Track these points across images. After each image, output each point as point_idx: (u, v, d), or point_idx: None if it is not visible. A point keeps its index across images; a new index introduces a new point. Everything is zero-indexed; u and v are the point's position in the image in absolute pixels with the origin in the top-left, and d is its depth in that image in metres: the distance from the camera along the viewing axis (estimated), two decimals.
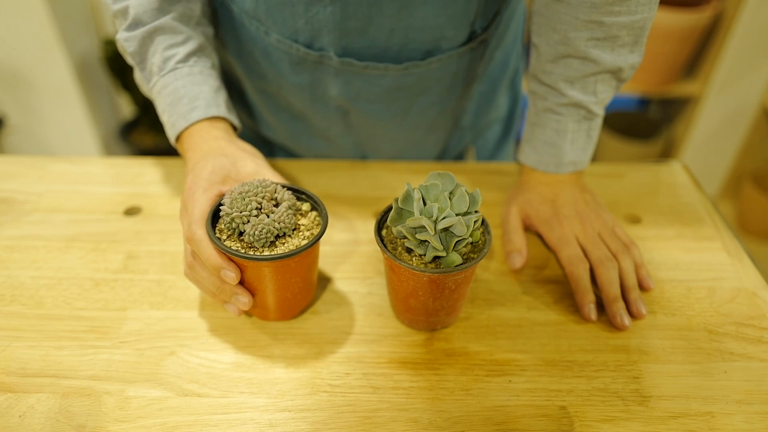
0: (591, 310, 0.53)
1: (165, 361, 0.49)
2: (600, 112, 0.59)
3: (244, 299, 0.48)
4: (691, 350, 0.51)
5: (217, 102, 0.58)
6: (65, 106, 1.66)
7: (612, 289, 0.53)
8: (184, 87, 0.57)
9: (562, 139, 0.59)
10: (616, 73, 0.57)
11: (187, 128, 0.56)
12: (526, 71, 0.64)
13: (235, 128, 0.60)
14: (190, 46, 0.59)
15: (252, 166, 0.54)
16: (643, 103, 2.09)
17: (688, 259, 0.60)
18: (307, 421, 0.45)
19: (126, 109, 1.89)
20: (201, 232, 0.48)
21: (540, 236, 0.62)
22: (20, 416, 0.44)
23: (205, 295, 0.52)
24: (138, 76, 0.61)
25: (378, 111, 0.65)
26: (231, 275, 0.47)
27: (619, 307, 0.53)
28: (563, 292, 0.56)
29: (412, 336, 0.52)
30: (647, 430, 0.44)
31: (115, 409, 0.45)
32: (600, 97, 0.58)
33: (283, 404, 0.46)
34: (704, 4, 1.59)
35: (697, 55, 1.73)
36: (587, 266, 0.55)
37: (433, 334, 0.52)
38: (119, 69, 1.66)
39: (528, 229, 0.62)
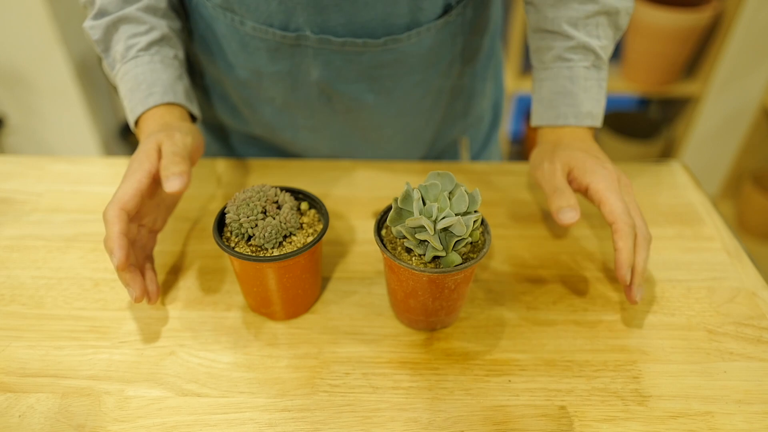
0: (629, 274, 0.49)
1: (165, 361, 0.49)
2: (606, 58, 0.59)
3: (134, 293, 0.49)
4: (690, 350, 0.51)
5: (175, 90, 0.59)
6: (65, 106, 1.66)
7: (640, 267, 0.50)
8: (144, 74, 0.58)
9: (576, 86, 0.58)
10: (613, 16, 0.58)
11: (143, 113, 0.57)
12: (526, 72, 0.64)
13: (194, 118, 0.61)
14: (152, 36, 0.60)
15: (183, 139, 0.54)
16: (643, 103, 2.09)
17: (688, 259, 0.60)
18: (306, 421, 0.45)
19: None
20: (111, 213, 0.48)
21: (580, 191, 0.56)
22: (20, 416, 0.44)
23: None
24: (104, 64, 0.62)
25: (360, 92, 0.65)
26: (115, 261, 0.47)
27: (640, 282, 0.50)
28: (563, 292, 0.56)
29: (412, 336, 0.52)
30: (647, 430, 0.44)
31: (114, 409, 0.45)
32: (603, 42, 0.58)
33: (282, 404, 0.46)
34: (704, 4, 1.59)
35: (697, 55, 1.73)
36: (634, 236, 0.50)
37: (432, 334, 0.52)
38: None
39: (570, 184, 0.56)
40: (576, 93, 0.58)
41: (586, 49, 0.57)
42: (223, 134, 0.78)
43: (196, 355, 0.49)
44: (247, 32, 0.61)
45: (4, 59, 1.57)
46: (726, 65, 1.66)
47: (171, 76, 0.59)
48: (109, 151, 1.82)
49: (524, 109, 2.13)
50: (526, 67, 1.72)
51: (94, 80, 1.72)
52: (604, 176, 0.53)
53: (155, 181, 0.52)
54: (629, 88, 1.74)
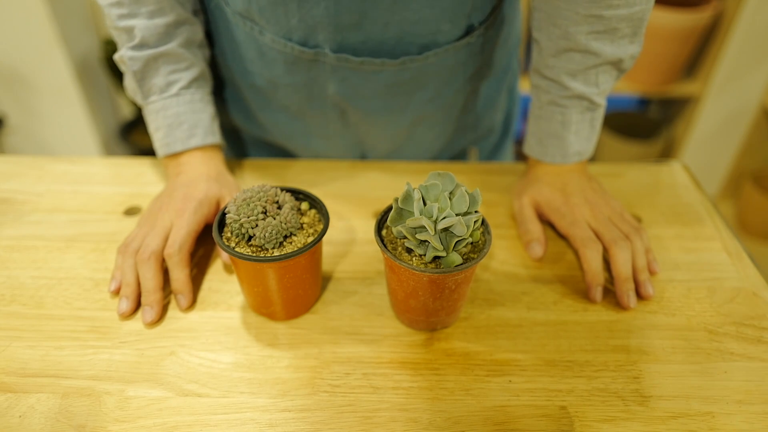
0: (598, 293, 0.54)
1: (165, 361, 0.49)
2: (602, 102, 0.60)
3: (151, 313, 0.52)
4: (691, 350, 0.51)
5: (213, 130, 0.64)
6: (65, 106, 1.66)
7: (625, 269, 0.55)
8: (185, 114, 0.62)
9: (567, 131, 0.60)
10: (616, 64, 0.58)
11: (184, 151, 0.62)
12: (525, 71, 0.64)
13: (221, 147, 0.67)
14: (192, 73, 0.62)
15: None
16: (643, 103, 2.09)
17: (688, 259, 0.60)
18: (307, 421, 0.45)
19: (126, 109, 1.89)
20: (182, 257, 0.53)
21: (551, 225, 0.63)
22: (20, 416, 0.44)
23: (115, 282, 0.54)
24: (130, 84, 0.63)
25: (375, 107, 0.65)
26: (183, 303, 0.53)
27: (629, 288, 0.54)
28: (563, 292, 0.56)
29: (412, 336, 0.52)
30: (647, 430, 0.44)
31: (115, 409, 0.45)
32: (602, 88, 0.59)
33: (283, 404, 0.46)
34: (704, 4, 1.59)
35: (697, 55, 1.73)
36: (600, 248, 0.56)
37: (433, 334, 0.52)
38: (119, 69, 1.66)
39: (539, 218, 0.63)
40: (566, 137, 0.61)
41: (581, 97, 0.59)
42: (236, 137, 0.78)
43: (197, 355, 0.49)
44: (265, 42, 0.61)
45: (4, 59, 1.57)
46: (726, 65, 1.66)
47: (209, 115, 0.63)
48: (109, 151, 1.82)
49: (526, 108, 2.13)
50: (528, 67, 1.72)
51: (94, 80, 1.72)
52: (564, 214, 0.59)
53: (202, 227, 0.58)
54: (629, 88, 1.74)
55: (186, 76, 0.62)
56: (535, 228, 0.60)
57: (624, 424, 0.45)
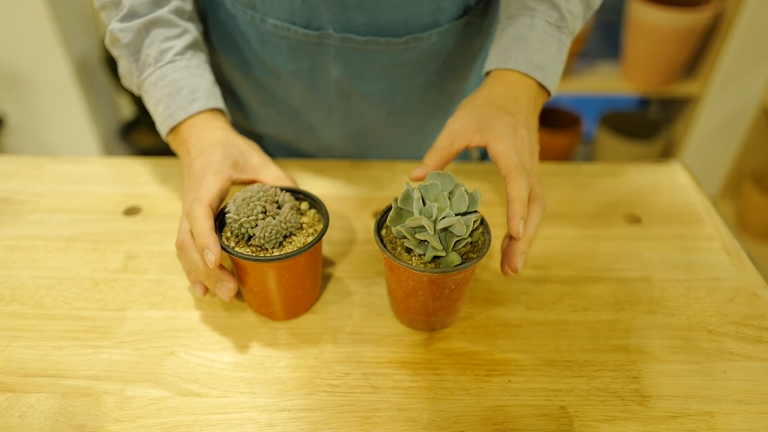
0: (521, 226, 0.46)
1: (164, 360, 0.49)
2: (571, 26, 0.56)
3: (229, 285, 0.49)
4: (690, 350, 0.51)
5: (215, 94, 0.59)
6: (65, 106, 1.66)
7: (529, 231, 0.48)
8: (183, 79, 0.57)
9: (534, 35, 0.54)
10: None
11: (187, 119, 0.57)
12: None
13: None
14: (186, 40, 0.59)
15: (258, 159, 0.56)
16: (643, 103, 2.09)
17: (688, 259, 0.60)
18: (306, 420, 0.45)
19: (126, 109, 1.89)
20: (200, 210, 0.48)
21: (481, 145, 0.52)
22: (20, 416, 0.44)
23: (188, 278, 0.52)
24: (125, 68, 0.60)
25: (379, 92, 0.65)
26: (211, 258, 0.46)
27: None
28: (563, 292, 0.56)
29: (412, 336, 0.52)
30: (647, 430, 0.44)
31: (114, 409, 0.45)
32: (570, 7, 0.55)
33: (282, 404, 0.46)
34: (704, 4, 1.59)
35: (697, 55, 1.73)
36: (530, 186, 0.49)
37: (432, 334, 0.52)
38: (115, 61, 1.66)
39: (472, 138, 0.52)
40: (532, 41, 0.54)
41: (552, 3, 0.55)
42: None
43: (196, 355, 0.49)
44: (267, 30, 0.60)
45: (4, 59, 1.57)
46: (726, 65, 1.66)
47: (208, 80, 0.59)
48: (109, 151, 1.82)
49: None
50: None
51: (94, 80, 1.72)
52: (505, 135, 0.50)
53: (229, 187, 0.53)
54: (629, 88, 1.74)
55: (179, 43, 0.58)
56: (435, 156, 0.52)
57: (623, 423, 0.45)
